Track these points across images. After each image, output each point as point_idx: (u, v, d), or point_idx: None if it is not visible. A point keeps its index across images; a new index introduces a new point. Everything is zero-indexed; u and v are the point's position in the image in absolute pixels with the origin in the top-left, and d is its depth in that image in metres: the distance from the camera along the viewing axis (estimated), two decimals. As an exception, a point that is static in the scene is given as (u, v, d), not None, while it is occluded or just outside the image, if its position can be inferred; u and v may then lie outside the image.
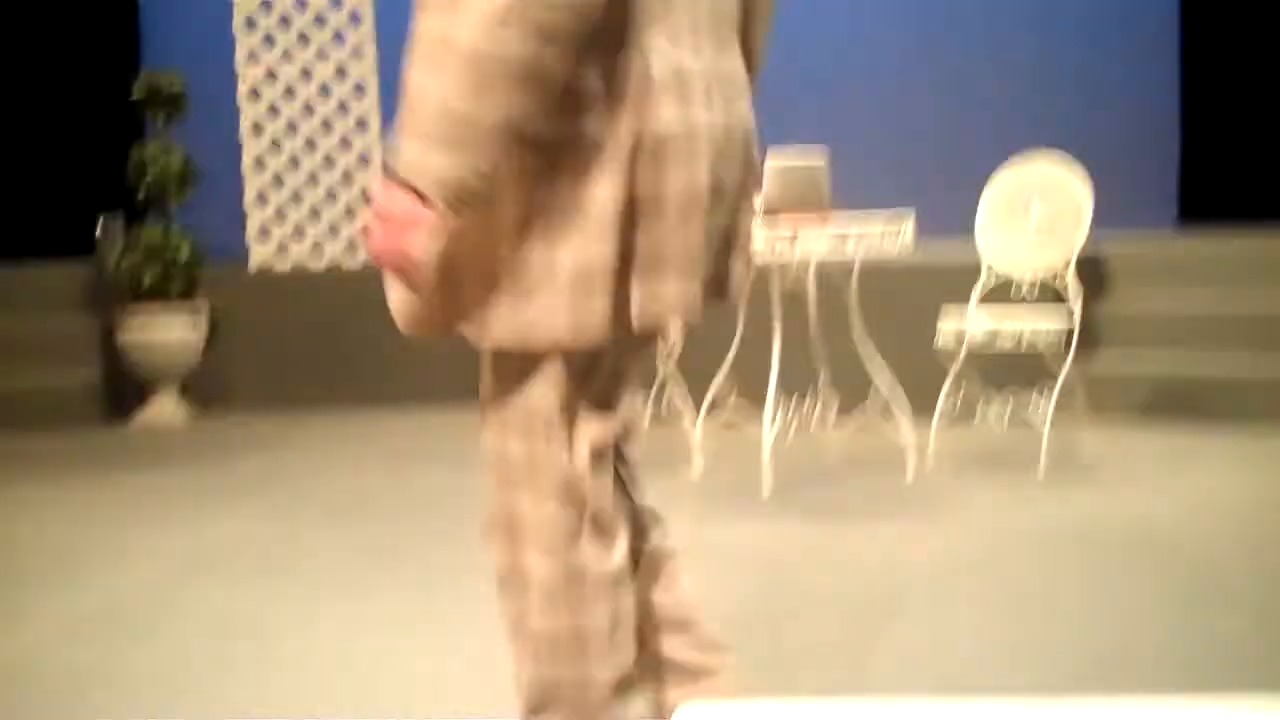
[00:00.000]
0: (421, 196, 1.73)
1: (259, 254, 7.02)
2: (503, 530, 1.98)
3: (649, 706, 2.08)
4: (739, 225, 2.04)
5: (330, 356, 6.73)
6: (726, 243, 2.01)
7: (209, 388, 6.67)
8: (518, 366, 1.92)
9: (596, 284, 1.82)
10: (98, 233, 6.76)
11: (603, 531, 1.96)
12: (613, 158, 1.81)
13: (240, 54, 6.97)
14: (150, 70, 6.78)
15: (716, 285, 2.01)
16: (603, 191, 1.81)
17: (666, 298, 1.87)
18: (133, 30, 8.01)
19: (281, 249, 7.03)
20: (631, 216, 1.83)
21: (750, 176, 2.05)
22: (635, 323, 1.86)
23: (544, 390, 1.91)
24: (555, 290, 1.82)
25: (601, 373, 1.95)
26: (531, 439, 1.93)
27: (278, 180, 7.04)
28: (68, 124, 7.89)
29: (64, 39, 8.04)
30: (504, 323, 1.85)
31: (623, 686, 2.00)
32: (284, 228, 7.03)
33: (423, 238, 1.75)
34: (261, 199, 7.02)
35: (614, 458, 2.04)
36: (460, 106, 1.70)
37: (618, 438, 2.03)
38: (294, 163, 7.04)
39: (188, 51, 7.43)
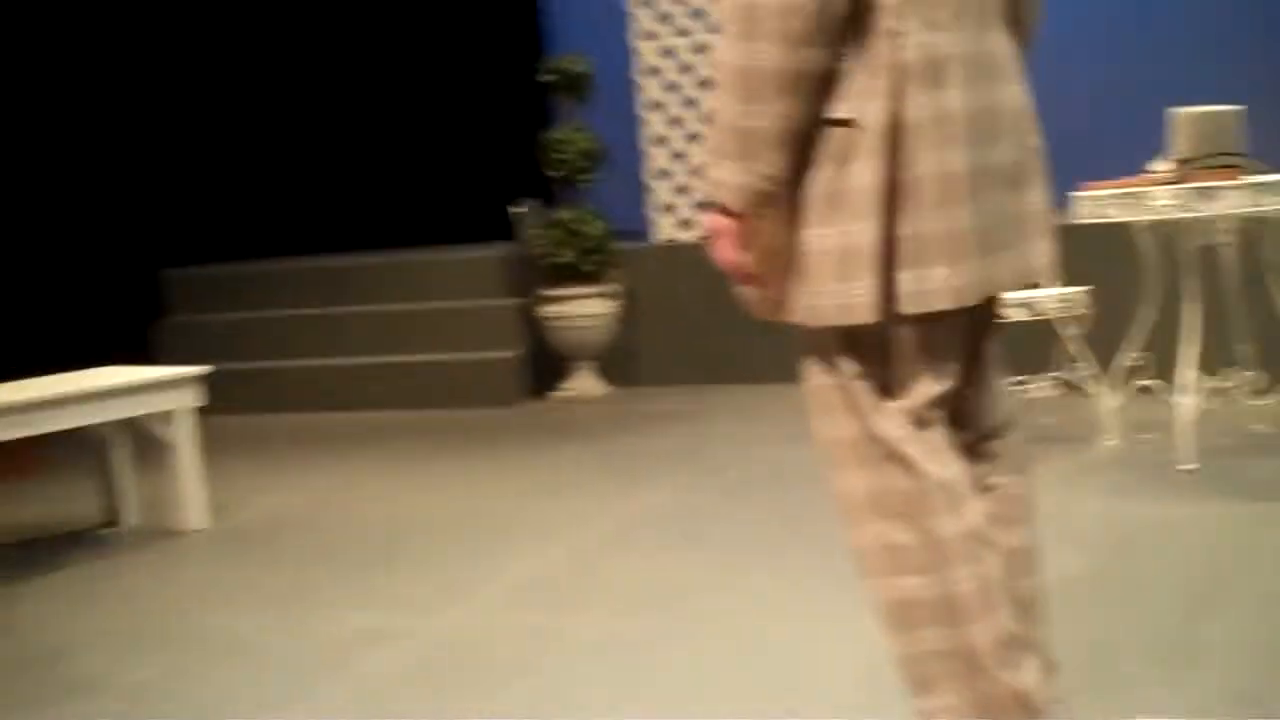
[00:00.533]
0: (728, 208, 1.96)
1: (663, 229, 7.28)
2: (843, 508, 2.05)
3: (1042, 670, 2.05)
4: (1028, 207, 2.05)
5: (738, 329, 6.87)
6: (1019, 225, 2.03)
7: (622, 362, 6.96)
8: (818, 345, 2.04)
9: (861, 266, 1.93)
10: (514, 216, 7.20)
11: (945, 495, 1.98)
12: (868, 143, 1.91)
13: (637, 31, 7.23)
14: (553, 55, 7.18)
15: (1016, 268, 2.03)
16: (861, 176, 1.91)
17: (934, 282, 1.92)
18: (535, 17, 8.46)
19: (684, 223, 7.26)
20: (892, 201, 1.91)
21: (1029, 157, 2.06)
22: (903, 306, 1.93)
23: (845, 366, 2.01)
24: (825, 271, 1.95)
25: (904, 347, 1.98)
26: (849, 415, 2.02)
27: (679, 156, 7.27)
28: (480, 113, 8.43)
29: (471, 32, 8.57)
30: (795, 303, 1.99)
31: (1008, 649, 1.98)
32: (687, 200, 7.27)
33: (733, 244, 1.98)
34: (663, 174, 7.28)
35: (953, 427, 2.06)
36: (737, 120, 1.91)
37: (944, 405, 2.04)
38: (693, 137, 7.25)
39: (587, 34, 7.76)
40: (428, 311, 7.17)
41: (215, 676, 3.10)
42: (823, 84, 1.91)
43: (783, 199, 1.97)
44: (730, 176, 1.95)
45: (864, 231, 1.91)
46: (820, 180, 1.94)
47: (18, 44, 7.82)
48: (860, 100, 1.91)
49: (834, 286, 1.94)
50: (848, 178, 1.92)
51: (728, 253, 2.01)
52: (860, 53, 1.91)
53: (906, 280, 1.92)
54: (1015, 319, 4.56)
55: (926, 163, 1.91)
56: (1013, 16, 2.08)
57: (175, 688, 3.05)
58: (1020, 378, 4.84)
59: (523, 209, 7.16)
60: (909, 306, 1.93)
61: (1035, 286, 2.16)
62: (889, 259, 1.92)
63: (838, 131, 1.92)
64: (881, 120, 1.90)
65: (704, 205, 2.04)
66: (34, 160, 7.82)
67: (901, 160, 1.91)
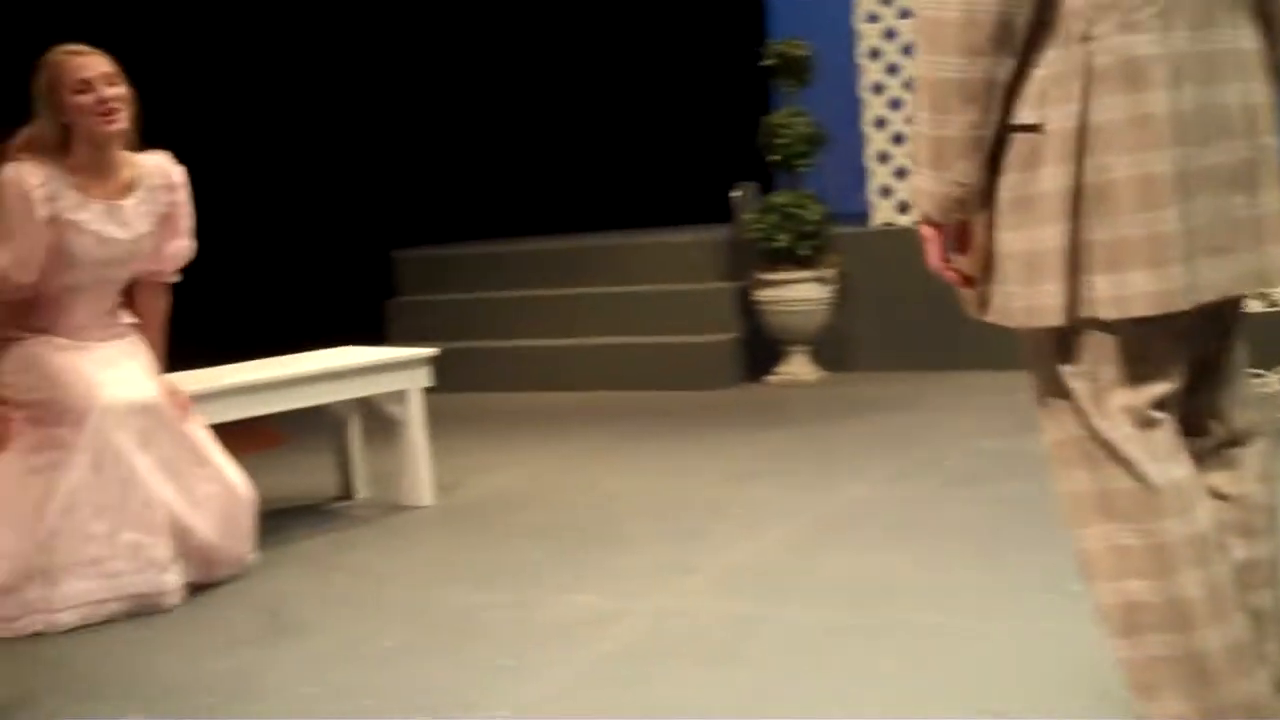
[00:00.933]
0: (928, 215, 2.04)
1: (881, 212, 7.24)
2: (1068, 509, 2.06)
3: (1276, 685, 2.01)
4: (1264, 208, 1.99)
5: (956, 314, 6.76)
6: (1252, 227, 1.98)
7: (838, 346, 6.96)
8: (1037, 346, 2.07)
9: (1047, 269, 1.94)
10: (733, 199, 7.26)
11: (1170, 498, 1.96)
12: (1055, 148, 1.92)
13: (859, 14, 7.19)
14: (775, 39, 7.19)
15: (1245, 272, 1.98)
16: (1048, 181, 1.93)
17: (1133, 287, 1.91)
18: (758, 1, 8.48)
19: (903, 207, 7.20)
20: (1081, 205, 1.92)
21: (1264, 156, 2.00)
22: (1100, 311, 1.93)
23: (1064, 367, 2.03)
24: (1014, 274, 1.99)
25: (1115, 350, 1.97)
26: (1071, 415, 2.03)
27: (899, 139, 7.21)
28: (702, 97, 8.51)
29: (694, 16, 8.65)
30: (993, 304, 2.04)
31: (1237, 658, 1.95)
32: (906, 184, 7.20)
33: (937, 250, 2.07)
34: (883, 157, 7.23)
35: (1190, 431, 2.05)
36: (929, 129, 1.97)
37: (1170, 407, 2.01)
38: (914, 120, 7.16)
39: (809, 18, 7.75)
40: (645, 294, 7.29)
41: (446, 652, 3.24)
42: (1010, 91, 1.94)
43: (979, 204, 2.01)
44: (927, 184, 2.01)
45: (1051, 236, 1.94)
46: (1008, 185, 1.98)
47: (259, 40, 8.21)
48: (1047, 105, 1.93)
49: (1022, 289, 1.98)
50: (1035, 182, 1.95)
51: (935, 257, 2.08)
52: (1048, 58, 1.93)
53: (1103, 285, 1.93)
54: (1251, 310, 4.40)
55: (1122, 166, 1.90)
56: (1263, 10, 2.03)
57: (410, 661, 3.20)
58: (1256, 371, 4.68)
59: (741, 193, 7.21)
60: (1107, 311, 1.94)
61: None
62: (1081, 263, 1.93)
63: (1025, 136, 1.95)
64: (1068, 125, 1.92)
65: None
66: (277, 150, 8.21)
67: (1092, 164, 1.91)
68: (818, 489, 4.58)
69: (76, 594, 3.62)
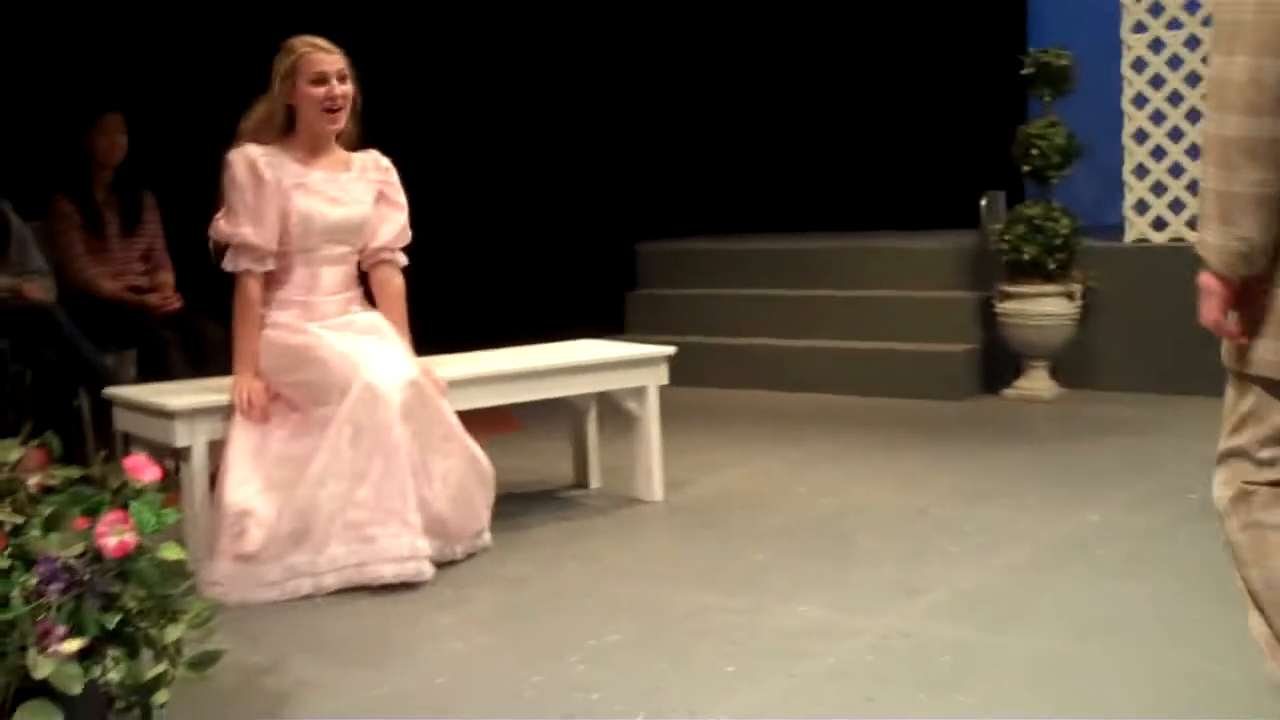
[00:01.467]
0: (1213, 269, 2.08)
1: (1136, 227, 7.01)
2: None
3: None
4: None
5: (1208, 337, 6.52)
6: None
7: (1079, 363, 6.78)
8: (1247, 393, 2.15)
9: None
10: (981, 208, 7.14)
11: None
12: None
13: (1127, 23, 6.97)
14: (1036, 47, 7.04)
15: None
16: None
17: None
18: (1021, 8, 8.31)
19: (1159, 223, 6.97)
20: None
21: None
22: None
23: (1259, 424, 2.13)
24: None
25: None
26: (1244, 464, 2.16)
27: (1158, 152, 6.97)
28: (958, 102, 8.38)
29: (956, 21, 8.53)
30: (1261, 357, 2.10)
31: None
32: (1163, 200, 6.96)
33: (1219, 304, 2.10)
34: (1141, 171, 7.00)
35: None
36: (1216, 185, 2.03)
37: None
38: (1175, 134, 6.92)
39: (1073, 26, 7.56)
40: (884, 298, 7.26)
41: (669, 651, 3.32)
42: None
43: (1265, 260, 2.04)
44: (1212, 238, 2.06)
45: None
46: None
47: (508, 34, 8.45)
48: None
49: None
50: None
51: (1213, 312, 2.11)
52: None
53: None
54: None
55: None
56: None
57: (634, 657, 3.29)
58: None
59: (988, 201, 7.09)
60: None
61: None
62: None
63: None
64: None
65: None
66: (530, 144, 8.46)
67: None
68: (1051, 512, 4.50)
69: (338, 558, 3.84)
